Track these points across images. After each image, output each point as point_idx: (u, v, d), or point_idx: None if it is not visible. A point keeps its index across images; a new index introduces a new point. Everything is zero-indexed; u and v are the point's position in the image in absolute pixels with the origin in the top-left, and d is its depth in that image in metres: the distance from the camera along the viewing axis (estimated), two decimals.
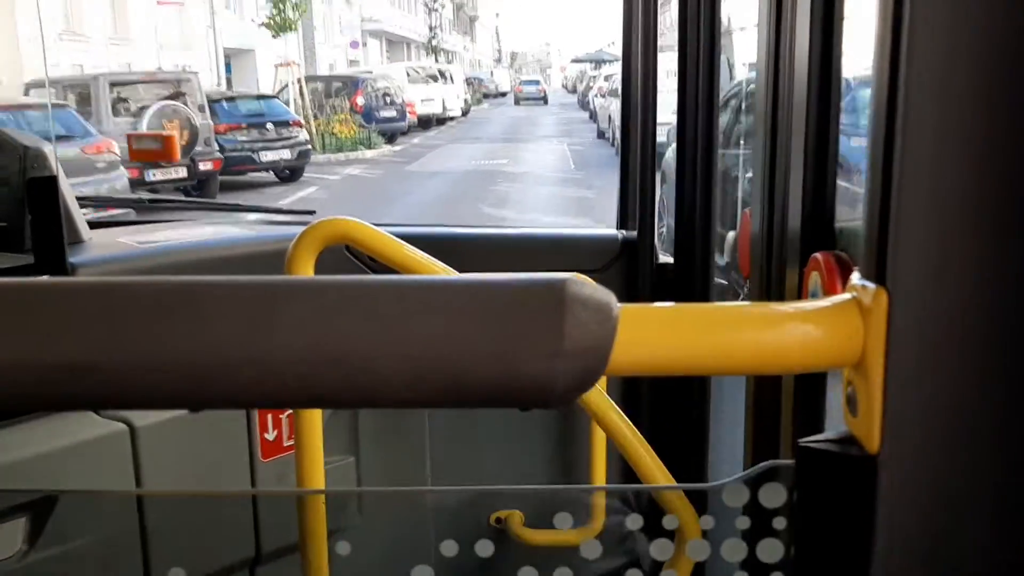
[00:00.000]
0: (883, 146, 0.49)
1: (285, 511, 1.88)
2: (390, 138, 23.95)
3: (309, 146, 16.87)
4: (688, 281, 2.06)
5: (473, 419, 2.25)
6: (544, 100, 51.05)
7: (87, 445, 1.66)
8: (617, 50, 2.44)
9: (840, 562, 0.54)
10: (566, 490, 2.13)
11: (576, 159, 19.42)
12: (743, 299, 1.79)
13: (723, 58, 2.04)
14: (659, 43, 2.17)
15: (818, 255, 1.23)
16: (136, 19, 26.13)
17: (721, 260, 2.05)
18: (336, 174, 17.81)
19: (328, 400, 0.50)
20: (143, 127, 11.63)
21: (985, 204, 0.49)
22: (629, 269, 2.21)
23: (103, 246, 1.93)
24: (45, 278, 0.49)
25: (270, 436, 1.96)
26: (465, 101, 37.29)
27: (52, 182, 1.72)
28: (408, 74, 30.67)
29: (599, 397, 1.64)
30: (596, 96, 26.69)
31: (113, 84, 13.59)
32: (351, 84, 23.93)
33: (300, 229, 1.57)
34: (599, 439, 2.05)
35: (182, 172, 12.90)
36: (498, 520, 2.17)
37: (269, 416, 1.95)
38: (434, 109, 30.58)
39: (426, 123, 30.33)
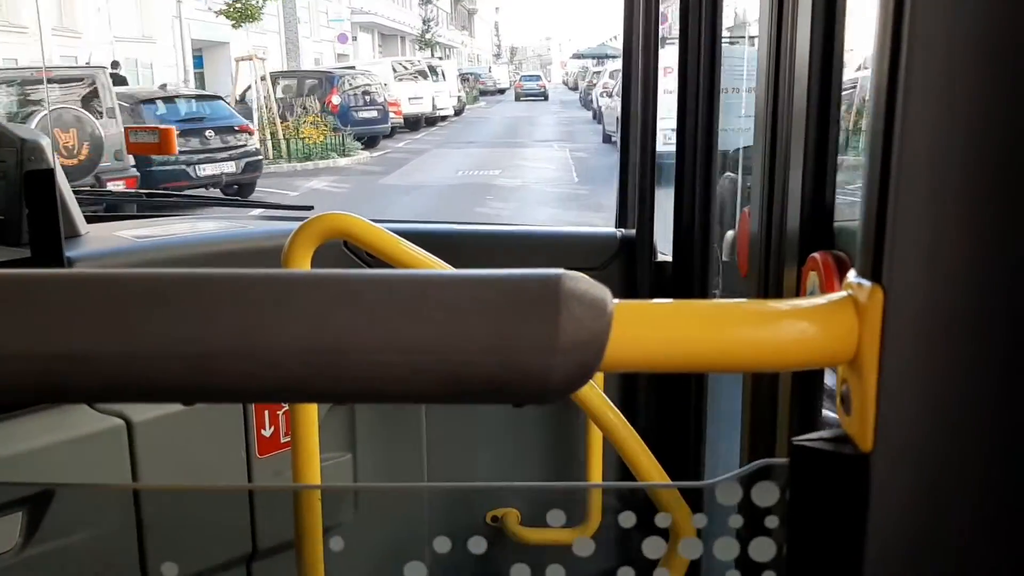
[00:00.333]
0: (880, 144, 0.49)
1: (281, 507, 1.85)
2: (370, 142, 21.38)
3: (260, 156, 14.14)
4: (687, 279, 2.06)
5: (470, 417, 2.23)
6: (544, 96, 50.33)
7: (83, 440, 1.66)
8: (620, 44, 2.34)
9: (832, 561, 0.54)
10: (562, 487, 2.13)
11: (580, 169, 16.81)
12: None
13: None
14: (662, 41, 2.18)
15: (816, 254, 1.25)
16: (86, 8, 23.46)
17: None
18: (296, 188, 15.05)
19: (321, 394, 0.50)
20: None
21: (981, 203, 0.48)
22: (628, 267, 2.21)
23: (100, 240, 1.93)
24: (39, 270, 0.48)
25: (267, 432, 1.96)
26: (459, 99, 34.58)
27: (49, 175, 1.71)
28: (395, 70, 28.00)
29: (595, 395, 1.64)
30: (601, 95, 24.08)
31: None
32: (326, 81, 21.19)
33: (297, 224, 1.57)
34: (595, 437, 2.03)
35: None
36: (494, 519, 2.19)
37: (266, 412, 1.95)
38: (423, 108, 27.93)
39: (414, 124, 27.70)
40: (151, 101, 12.73)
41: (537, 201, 13.63)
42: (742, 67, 2.25)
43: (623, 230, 2.28)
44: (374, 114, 21.64)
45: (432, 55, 58.00)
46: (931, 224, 0.48)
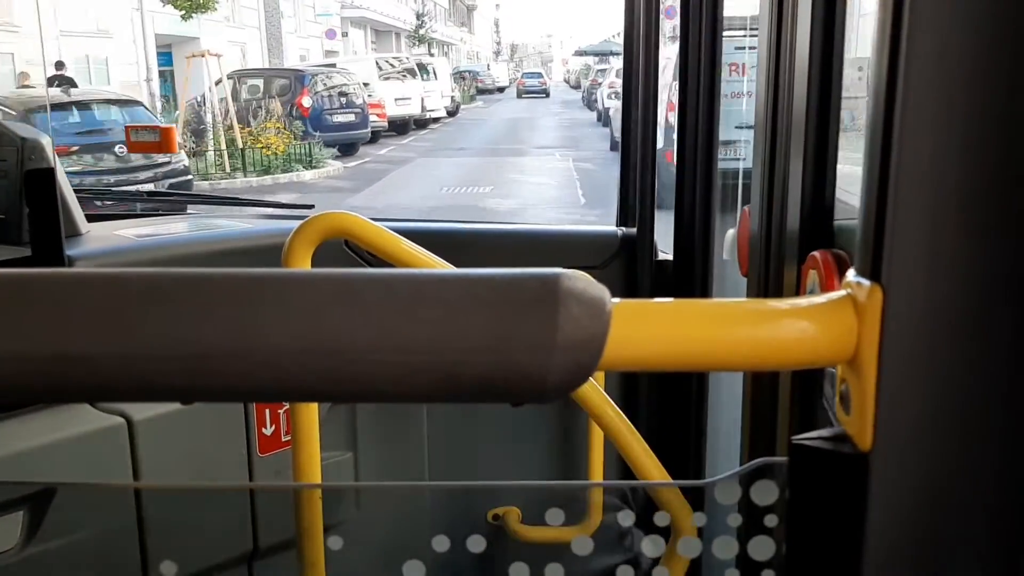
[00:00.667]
0: (880, 143, 0.49)
1: (282, 506, 1.86)
2: (348, 150, 18.84)
3: (188, 176, 11.72)
4: (688, 277, 2.06)
5: (471, 415, 2.23)
6: (546, 93, 50.13)
7: (85, 439, 1.66)
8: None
9: (831, 560, 0.54)
10: (563, 486, 2.14)
11: (587, 186, 14.18)
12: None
13: None
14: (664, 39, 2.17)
15: (816, 253, 1.24)
16: None
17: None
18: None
19: (320, 394, 0.51)
20: None
21: (980, 202, 0.48)
22: (629, 265, 2.21)
23: (101, 239, 1.93)
24: (39, 270, 0.49)
25: (267, 431, 1.96)
26: (452, 99, 31.96)
27: (50, 174, 1.72)
28: (380, 67, 25.43)
29: (596, 393, 1.63)
30: (609, 95, 21.57)
31: None
32: (296, 81, 18.58)
33: (298, 223, 1.57)
34: (597, 436, 2.04)
35: None
36: (495, 517, 2.18)
37: (267, 411, 1.95)
38: (411, 110, 25.30)
39: (402, 127, 25.12)
40: (57, 107, 10.23)
41: None
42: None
43: (624, 228, 2.28)
44: (351, 118, 18.97)
45: (429, 52, 55.63)
46: (930, 223, 0.48)
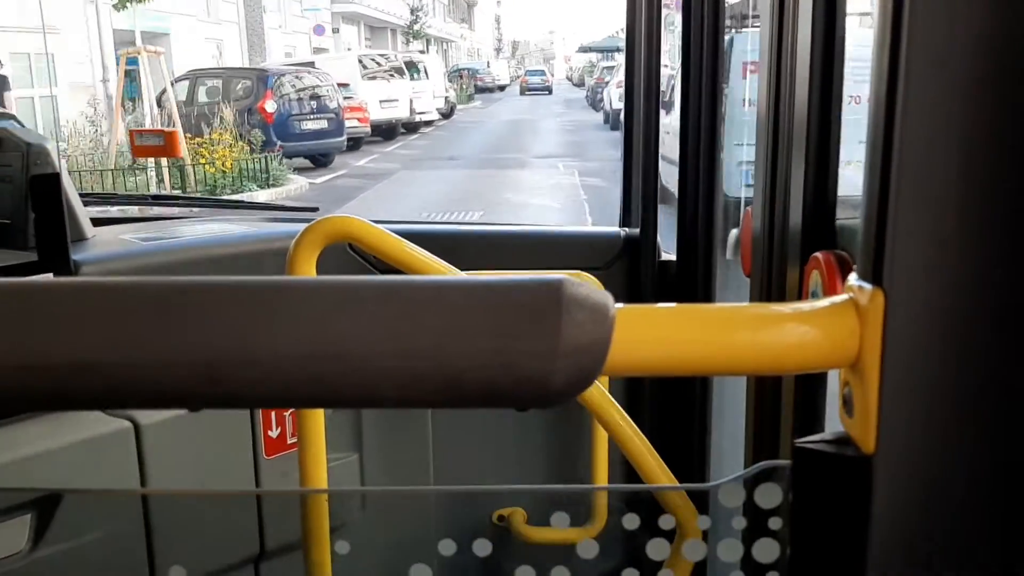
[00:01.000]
0: (881, 147, 0.49)
1: (289, 508, 1.88)
2: (320, 160, 16.48)
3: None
4: (691, 279, 2.05)
5: (476, 417, 2.24)
6: (549, 90, 50.05)
7: (92, 442, 1.66)
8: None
9: (835, 562, 0.54)
10: (567, 489, 2.10)
11: (597, 208, 11.67)
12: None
13: None
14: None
15: (818, 254, 1.24)
16: None
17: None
18: None
19: (325, 400, 0.51)
20: None
21: (982, 206, 0.48)
22: (631, 267, 2.20)
23: (106, 243, 1.93)
24: (49, 278, 0.51)
25: (273, 434, 1.96)
26: (446, 100, 29.47)
27: (55, 179, 1.72)
28: (364, 66, 22.97)
29: (601, 396, 1.63)
30: (620, 97, 19.05)
31: None
32: (258, 82, 16.10)
33: (302, 227, 1.57)
34: (601, 438, 2.04)
35: None
36: (500, 518, 2.18)
37: (273, 414, 1.96)
38: (398, 113, 22.85)
39: (389, 132, 22.72)
40: None
41: None
42: None
43: (627, 229, 2.27)
44: (323, 124, 16.54)
45: (427, 49, 53.13)
46: (932, 227, 0.49)
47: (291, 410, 1.89)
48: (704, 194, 1.98)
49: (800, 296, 1.32)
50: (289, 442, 1.97)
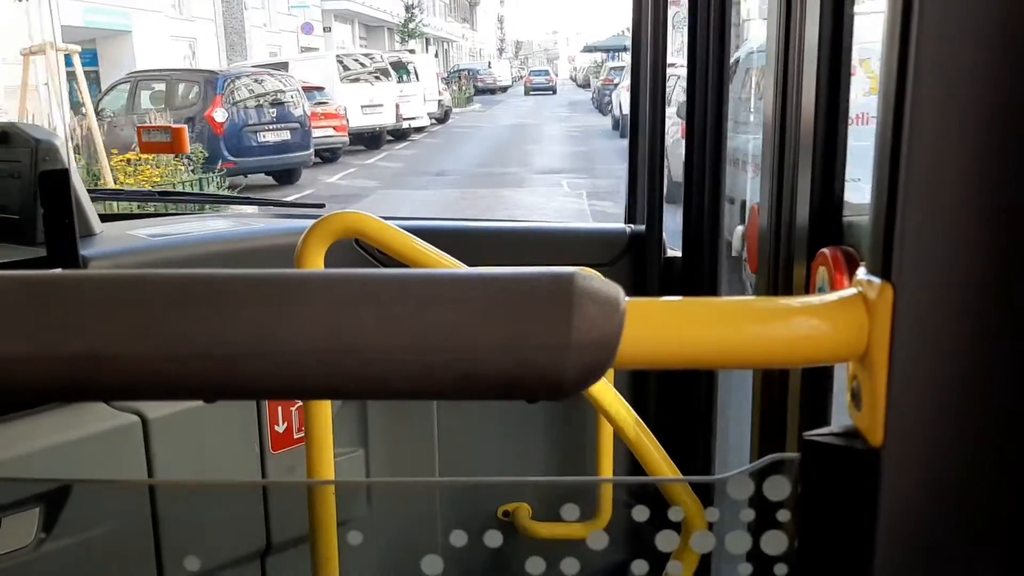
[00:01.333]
0: (890, 141, 0.49)
1: (295, 502, 1.87)
2: (284, 177, 14.08)
3: None
4: (696, 275, 2.05)
5: (481, 412, 2.23)
6: (553, 90, 49.84)
7: (100, 437, 1.67)
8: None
9: (843, 555, 0.54)
10: (573, 482, 2.17)
11: None
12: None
13: None
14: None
15: (825, 250, 1.24)
16: None
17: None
18: None
19: (338, 392, 0.51)
20: None
21: (991, 200, 0.48)
22: (637, 263, 2.20)
23: (114, 239, 1.93)
24: (59, 271, 0.50)
25: (280, 428, 1.96)
26: (440, 104, 26.92)
27: (64, 175, 1.72)
28: (345, 67, 20.47)
29: (606, 390, 1.63)
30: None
31: None
32: (207, 86, 13.56)
33: (310, 222, 1.57)
34: (606, 432, 2.03)
35: None
36: (505, 514, 2.19)
37: (279, 408, 1.96)
38: (383, 119, 20.32)
39: (373, 140, 20.27)
40: None
41: None
42: None
43: (632, 226, 2.26)
44: (285, 135, 13.99)
45: (427, 49, 50.79)
46: (940, 221, 0.48)
47: (298, 405, 1.90)
48: (710, 191, 1.97)
49: (807, 291, 1.32)
50: (296, 437, 1.96)
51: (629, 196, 2.33)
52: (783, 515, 0.61)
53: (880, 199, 0.50)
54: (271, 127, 13.83)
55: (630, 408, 1.65)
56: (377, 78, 20.74)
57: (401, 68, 22.75)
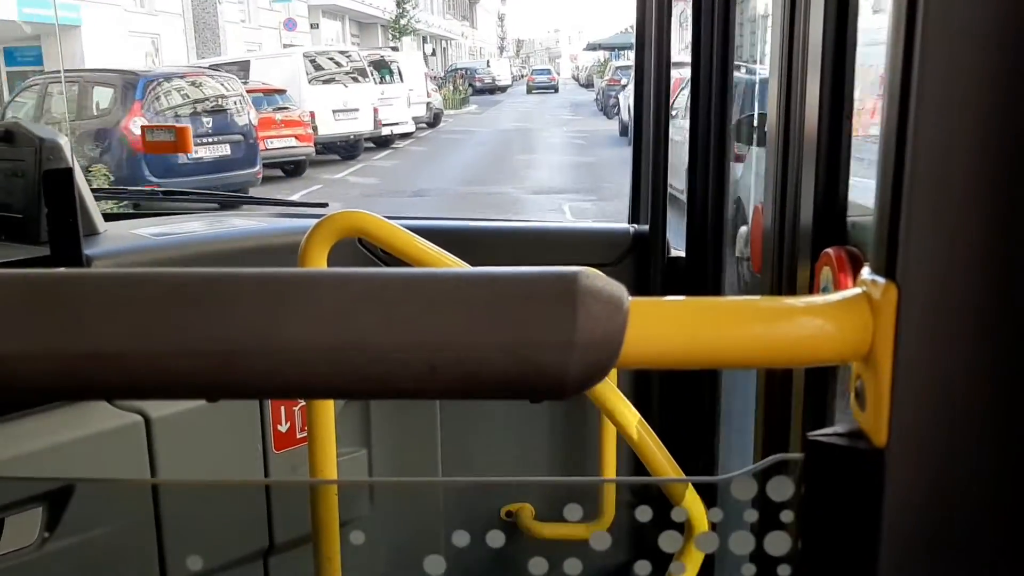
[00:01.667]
0: (895, 141, 0.49)
1: (298, 502, 1.87)
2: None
3: None
4: (700, 275, 2.05)
5: (484, 412, 2.22)
6: (555, 89, 49.30)
7: (103, 436, 1.67)
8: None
9: (847, 556, 0.54)
10: (576, 482, 2.15)
11: None
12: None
13: None
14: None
15: (830, 250, 1.24)
16: None
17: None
18: None
19: (341, 391, 0.51)
20: None
21: (995, 200, 0.48)
22: (640, 263, 2.19)
23: (118, 238, 1.94)
24: (63, 270, 0.50)
25: (283, 428, 1.96)
26: (428, 107, 24.30)
27: (68, 174, 1.72)
28: (317, 66, 17.93)
29: (609, 390, 1.63)
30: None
31: None
32: (125, 90, 11.00)
33: (313, 221, 1.57)
34: (609, 432, 2.03)
35: None
36: (508, 514, 2.18)
37: (282, 408, 1.96)
38: (358, 126, 17.74)
39: (349, 149, 17.77)
40: None
41: None
42: None
43: (636, 226, 2.25)
44: (224, 151, 11.47)
45: (422, 47, 48.32)
46: (945, 221, 0.48)
47: (301, 404, 1.89)
48: (713, 191, 1.97)
49: (811, 292, 1.32)
50: (298, 436, 1.96)
51: (633, 196, 2.32)
52: (787, 516, 0.60)
53: (884, 199, 0.50)
54: (207, 140, 11.28)
55: (633, 408, 1.63)
56: (355, 79, 18.20)
57: (383, 68, 20.23)
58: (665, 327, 0.52)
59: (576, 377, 0.47)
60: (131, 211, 2.58)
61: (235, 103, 11.97)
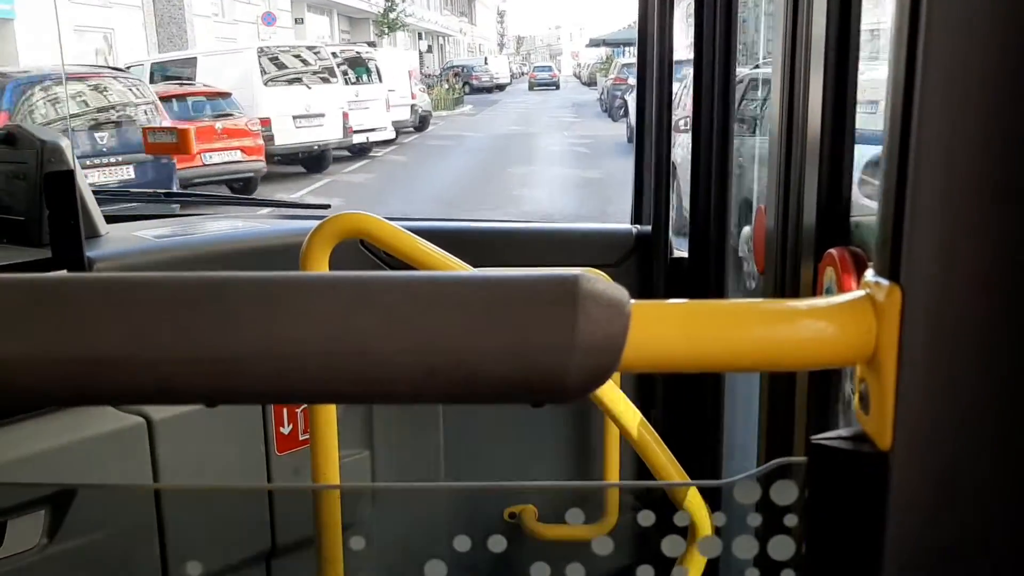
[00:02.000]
0: (898, 143, 0.49)
1: (301, 505, 1.87)
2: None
3: None
4: (703, 276, 2.04)
5: (487, 413, 2.20)
6: (556, 85, 49.27)
7: (105, 438, 1.66)
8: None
9: (851, 560, 0.54)
10: (579, 486, 2.12)
11: None
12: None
13: None
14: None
15: (833, 250, 1.24)
16: None
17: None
18: None
19: (342, 395, 0.50)
20: None
21: (999, 202, 0.48)
22: (643, 263, 2.18)
23: (120, 240, 1.93)
24: (65, 274, 0.51)
25: (285, 430, 1.95)
26: (412, 109, 21.66)
27: (69, 176, 1.72)
28: (280, 64, 15.40)
29: (613, 393, 1.61)
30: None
31: None
32: None
33: (315, 223, 1.57)
34: (612, 435, 2.02)
35: None
36: (512, 515, 2.16)
37: (285, 410, 1.95)
38: (323, 134, 15.21)
39: (314, 162, 15.29)
40: None
41: None
42: None
43: (639, 226, 2.24)
44: (127, 174, 8.97)
45: (417, 44, 45.99)
46: (949, 223, 0.48)
47: (303, 407, 1.87)
48: (716, 191, 1.96)
49: (815, 292, 1.31)
50: (301, 438, 1.95)
51: (635, 196, 2.30)
52: (790, 520, 0.60)
53: (888, 201, 0.50)
54: (104, 161, 8.77)
55: (637, 411, 1.61)
56: (324, 79, 15.72)
57: (359, 66, 17.71)
58: (667, 330, 0.51)
59: (577, 381, 0.47)
60: (133, 213, 2.45)
61: (146, 113, 9.46)
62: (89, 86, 9.39)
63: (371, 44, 22.87)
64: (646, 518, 0.67)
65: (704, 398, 2.02)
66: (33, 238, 1.79)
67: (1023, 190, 0.47)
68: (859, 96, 1.32)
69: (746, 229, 1.85)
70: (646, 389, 2.12)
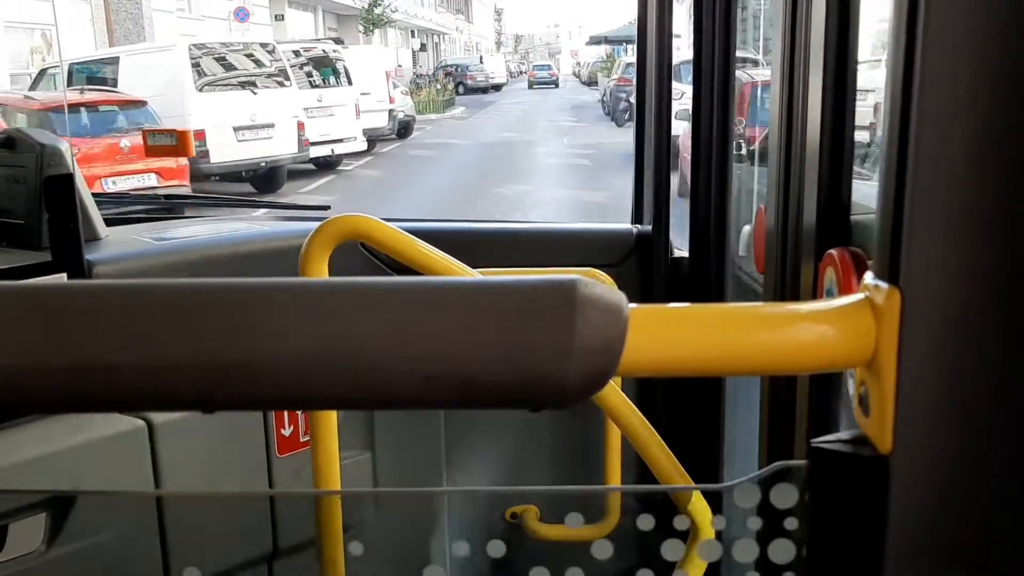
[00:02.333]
0: (897, 145, 0.49)
1: (302, 507, 1.87)
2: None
3: None
4: (703, 276, 2.04)
5: (489, 417, 2.22)
6: (555, 84, 49.43)
7: (106, 441, 1.66)
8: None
9: (851, 564, 0.54)
10: (581, 490, 2.13)
11: None
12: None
13: None
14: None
15: (833, 251, 1.23)
16: None
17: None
18: None
19: (339, 402, 0.51)
20: None
21: (999, 205, 0.48)
22: (644, 264, 2.19)
23: (120, 243, 1.93)
24: (65, 280, 0.50)
25: (286, 432, 1.96)
26: (390, 115, 19.07)
27: (69, 180, 1.72)
28: (228, 66, 12.94)
29: (615, 396, 1.62)
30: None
31: None
32: None
33: (315, 225, 1.56)
34: (614, 437, 2.02)
35: None
36: (513, 515, 2.17)
37: (286, 413, 1.96)
38: (272, 149, 12.69)
39: (264, 182, 12.82)
40: None
41: None
42: None
43: (639, 226, 2.25)
44: None
45: (411, 42, 43.68)
46: (948, 226, 0.48)
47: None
48: (716, 191, 1.96)
49: (815, 293, 1.31)
50: (302, 440, 1.96)
51: (635, 196, 2.31)
52: (791, 523, 0.59)
53: (887, 203, 0.49)
54: None
55: (639, 413, 1.61)
56: (279, 83, 13.26)
57: (325, 67, 15.25)
58: (666, 334, 0.51)
59: (575, 387, 0.47)
60: (133, 216, 2.46)
61: None
62: None
63: (338, 41, 20.22)
64: (646, 522, 0.66)
65: (704, 401, 2.03)
66: (33, 242, 1.80)
67: (1022, 192, 0.47)
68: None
69: (746, 229, 1.86)
70: (647, 392, 2.11)
